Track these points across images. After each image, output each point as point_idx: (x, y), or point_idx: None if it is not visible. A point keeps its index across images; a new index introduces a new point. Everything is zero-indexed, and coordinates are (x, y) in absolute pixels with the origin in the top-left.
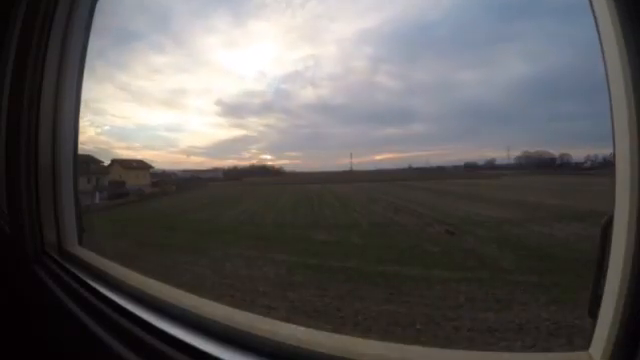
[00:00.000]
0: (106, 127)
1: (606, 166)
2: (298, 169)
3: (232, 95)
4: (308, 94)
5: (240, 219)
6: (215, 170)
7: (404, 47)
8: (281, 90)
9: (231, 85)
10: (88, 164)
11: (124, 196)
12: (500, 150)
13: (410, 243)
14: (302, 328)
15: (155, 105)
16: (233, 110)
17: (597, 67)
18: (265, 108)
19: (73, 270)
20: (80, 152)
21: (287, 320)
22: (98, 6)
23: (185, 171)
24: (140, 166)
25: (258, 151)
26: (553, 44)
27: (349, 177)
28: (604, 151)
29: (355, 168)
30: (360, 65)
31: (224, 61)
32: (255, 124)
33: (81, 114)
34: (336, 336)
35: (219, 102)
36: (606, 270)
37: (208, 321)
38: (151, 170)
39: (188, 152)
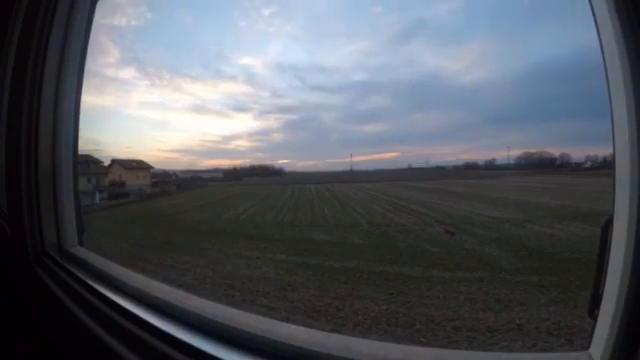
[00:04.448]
0: None
1: (606, 166)
2: (298, 169)
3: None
4: (277, 32)
5: (240, 219)
6: (215, 170)
7: None
8: (220, 27)
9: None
10: (88, 164)
11: (124, 196)
12: (500, 150)
13: (410, 243)
14: (302, 328)
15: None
16: (159, 71)
17: None
18: (214, 72)
19: (73, 270)
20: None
21: (287, 320)
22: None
23: (185, 171)
24: (140, 166)
25: (247, 149)
26: None
27: (349, 177)
28: (604, 151)
29: (355, 168)
30: None
31: None
32: (212, 102)
33: None
34: (336, 336)
35: (135, 58)
36: (606, 270)
37: (208, 321)
38: (152, 170)
39: (162, 150)
